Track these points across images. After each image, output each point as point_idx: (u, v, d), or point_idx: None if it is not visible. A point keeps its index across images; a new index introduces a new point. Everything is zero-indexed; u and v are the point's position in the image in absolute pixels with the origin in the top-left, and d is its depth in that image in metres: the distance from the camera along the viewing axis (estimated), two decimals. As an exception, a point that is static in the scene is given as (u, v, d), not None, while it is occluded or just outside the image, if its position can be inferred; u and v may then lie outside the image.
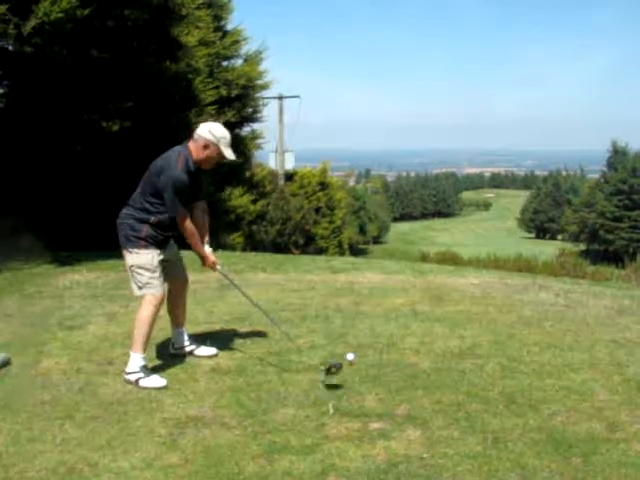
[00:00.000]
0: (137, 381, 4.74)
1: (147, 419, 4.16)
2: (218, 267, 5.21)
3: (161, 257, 4.95)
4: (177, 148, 4.94)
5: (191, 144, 4.91)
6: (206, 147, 4.87)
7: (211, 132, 4.87)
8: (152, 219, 4.85)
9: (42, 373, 4.98)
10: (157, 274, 4.90)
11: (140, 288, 4.89)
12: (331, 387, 4.64)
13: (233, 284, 5.51)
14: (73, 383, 4.75)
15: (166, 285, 5.15)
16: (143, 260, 4.85)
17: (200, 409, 4.31)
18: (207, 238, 5.21)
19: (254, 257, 11.57)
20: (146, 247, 4.86)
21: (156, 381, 4.75)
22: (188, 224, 4.86)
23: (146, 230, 4.85)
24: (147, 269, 4.85)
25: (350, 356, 5.07)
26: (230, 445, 3.79)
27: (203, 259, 5.16)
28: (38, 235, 9.76)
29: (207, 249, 5.14)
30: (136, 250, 4.85)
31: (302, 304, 7.20)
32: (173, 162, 4.78)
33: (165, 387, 4.69)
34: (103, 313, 6.78)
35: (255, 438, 3.88)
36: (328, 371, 4.68)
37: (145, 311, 4.86)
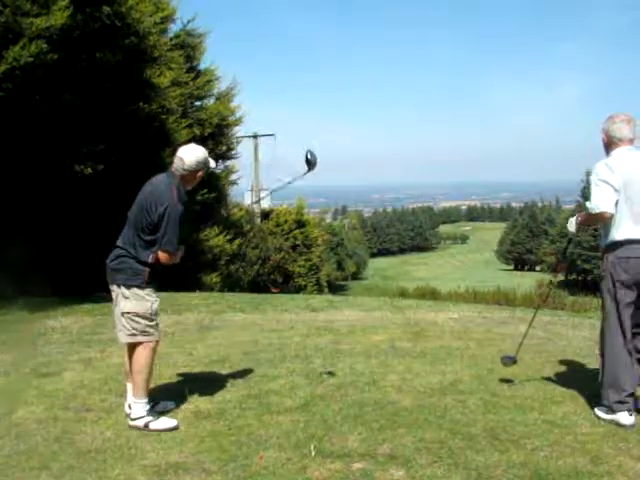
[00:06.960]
0: (147, 425, 4.63)
1: (126, 467, 4.05)
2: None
3: (157, 303, 4.81)
4: (162, 179, 4.79)
5: (179, 174, 4.77)
6: (198, 172, 4.83)
7: (197, 158, 4.79)
8: (151, 258, 4.66)
9: (17, 423, 4.85)
10: (155, 322, 4.76)
11: (134, 335, 4.70)
12: None
13: None
14: (49, 432, 4.63)
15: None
16: (143, 308, 4.68)
17: (180, 455, 4.22)
18: None
19: (232, 297, 11.51)
20: (149, 294, 4.72)
21: (167, 422, 4.68)
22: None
23: (147, 273, 4.67)
24: (145, 317, 4.69)
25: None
26: (211, 491, 3.71)
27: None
28: (11, 280, 9.64)
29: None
30: (139, 294, 4.68)
31: (281, 344, 7.15)
32: (168, 194, 4.64)
33: (176, 427, 4.64)
34: (79, 359, 6.65)
35: (237, 483, 3.80)
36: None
37: (143, 357, 4.71)
